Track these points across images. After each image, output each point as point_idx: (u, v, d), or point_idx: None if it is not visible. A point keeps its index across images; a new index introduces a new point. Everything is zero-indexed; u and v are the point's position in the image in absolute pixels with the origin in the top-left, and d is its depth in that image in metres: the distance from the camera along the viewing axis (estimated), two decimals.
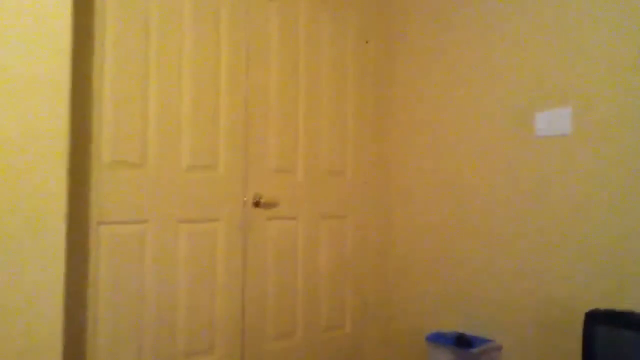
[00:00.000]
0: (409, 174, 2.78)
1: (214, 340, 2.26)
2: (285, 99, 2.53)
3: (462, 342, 2.27)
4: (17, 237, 1.64)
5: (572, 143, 2.09)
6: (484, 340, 2.31)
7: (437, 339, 2.37)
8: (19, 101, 1.65)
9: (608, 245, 1.99)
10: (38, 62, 1.69)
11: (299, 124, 2.59)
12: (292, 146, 2.55)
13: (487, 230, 2.40)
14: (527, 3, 2.27)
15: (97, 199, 1.96)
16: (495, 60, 2.39)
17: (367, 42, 2.87)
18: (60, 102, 1.73)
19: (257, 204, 2.39)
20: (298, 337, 2.55)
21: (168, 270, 2.13)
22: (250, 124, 2.39)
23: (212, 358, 2.24)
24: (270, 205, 2.44)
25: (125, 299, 2.02)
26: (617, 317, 1.80)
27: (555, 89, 2.16)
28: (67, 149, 1.74)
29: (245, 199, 2.36)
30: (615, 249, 1.97)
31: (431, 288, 2.64)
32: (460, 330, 2.50)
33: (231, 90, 2.33)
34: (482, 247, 2.42)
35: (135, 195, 2.05)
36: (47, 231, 1.69)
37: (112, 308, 1.98)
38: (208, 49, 2.26)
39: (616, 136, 1.97)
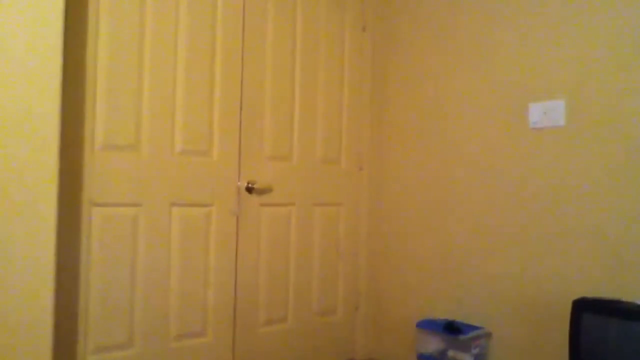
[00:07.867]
0: (402, 164, 2.78)
1: (206, 324, 2.28)
2: (280, 86, 2.53)
3: (451, 328, 2.29)
4: (7, 217, 1.65)
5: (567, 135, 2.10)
6: (473, 327, 2.33)
7: (427, 325, 2.39)
8: (9, 80, 1.65)
9: (598, 235, 2.00)
10: (28, 45, 1.69)
11: (295, 111, 2.59)
12: (287, 133, 2.56)
13: (478, 220, 2.41)
14: None
15: (89, 181, 1.96)
16: (491, 52, 2.39)
17: (363, 30, 2.87)
18: (51, 83, 1.73)
19: (250, 190, 2.40)
20: (289, 323, 2.57)
21: (160, 254, 2.14)
22: (245, 111, 2.39)
23: (204, 341, 2.27)
24: (264, 191, 2.45)
25: (116, 281, 2.03)
26: (603, 305, 1.81)
27: (549, 82, 2.16)
28: (58, 130, 1.74)
29: (239, 184, 2.37)
30: (605, 239, 1.98)
31: (422, 276, 2.65)
32: (451, 318, 2.52)
33: (226, 75, 2.33)
34: (473, 237, 2.43)
35: (128, 179, 2.06)
36: (38, 211, 1.70)
37: (104, 290, 2.00)
38: (203, 33, 2.25)
39: (608, 128, 1.98)
